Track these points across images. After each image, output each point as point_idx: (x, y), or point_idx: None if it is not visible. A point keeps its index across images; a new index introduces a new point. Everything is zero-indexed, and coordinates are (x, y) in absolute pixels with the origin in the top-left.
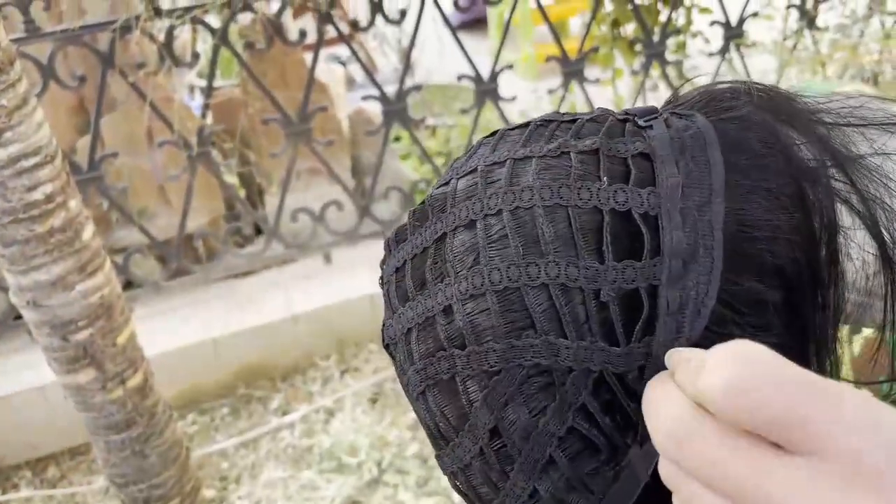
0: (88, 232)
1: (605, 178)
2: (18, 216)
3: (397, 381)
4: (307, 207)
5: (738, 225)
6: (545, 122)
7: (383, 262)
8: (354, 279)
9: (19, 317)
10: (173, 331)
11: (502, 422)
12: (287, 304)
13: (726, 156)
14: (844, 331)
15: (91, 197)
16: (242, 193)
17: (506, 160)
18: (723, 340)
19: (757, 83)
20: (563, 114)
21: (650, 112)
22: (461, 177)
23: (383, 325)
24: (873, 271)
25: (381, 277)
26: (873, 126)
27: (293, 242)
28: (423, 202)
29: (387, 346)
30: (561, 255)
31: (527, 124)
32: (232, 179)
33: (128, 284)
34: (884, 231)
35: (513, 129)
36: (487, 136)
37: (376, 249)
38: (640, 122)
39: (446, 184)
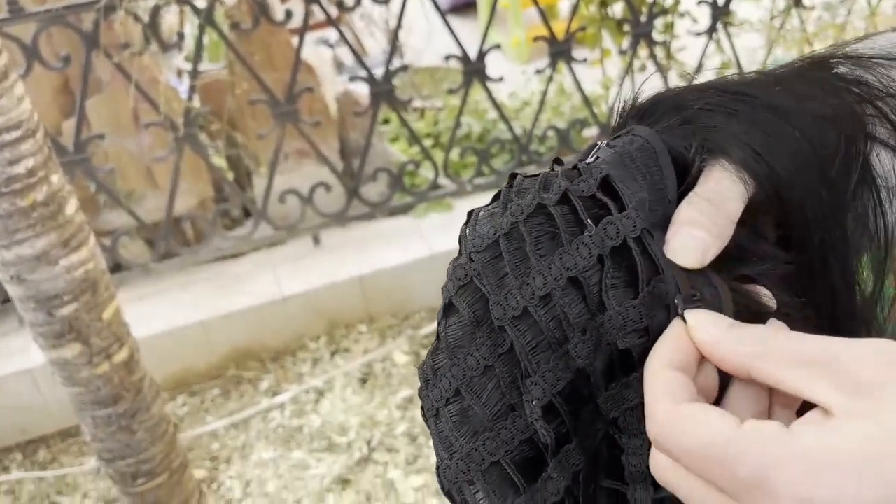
0: (72, 206)
1: (589, 223)
2: (1, 190)
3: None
4: (295, 189)
5: None
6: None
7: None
8: (343, 260)
9: (7, 300)
10: (162, 313)
11: None
12: (276, 286)
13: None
14: None
15: (78, 179)
16: (230, 175)
17: (496, 238)
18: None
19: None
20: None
21: (591, 148)
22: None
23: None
24: None
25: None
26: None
27: (282, 224)
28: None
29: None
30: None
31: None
32: (220, 161)
33: (116, 267)
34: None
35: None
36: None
37: (365, 231)
38: (588, 160)
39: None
